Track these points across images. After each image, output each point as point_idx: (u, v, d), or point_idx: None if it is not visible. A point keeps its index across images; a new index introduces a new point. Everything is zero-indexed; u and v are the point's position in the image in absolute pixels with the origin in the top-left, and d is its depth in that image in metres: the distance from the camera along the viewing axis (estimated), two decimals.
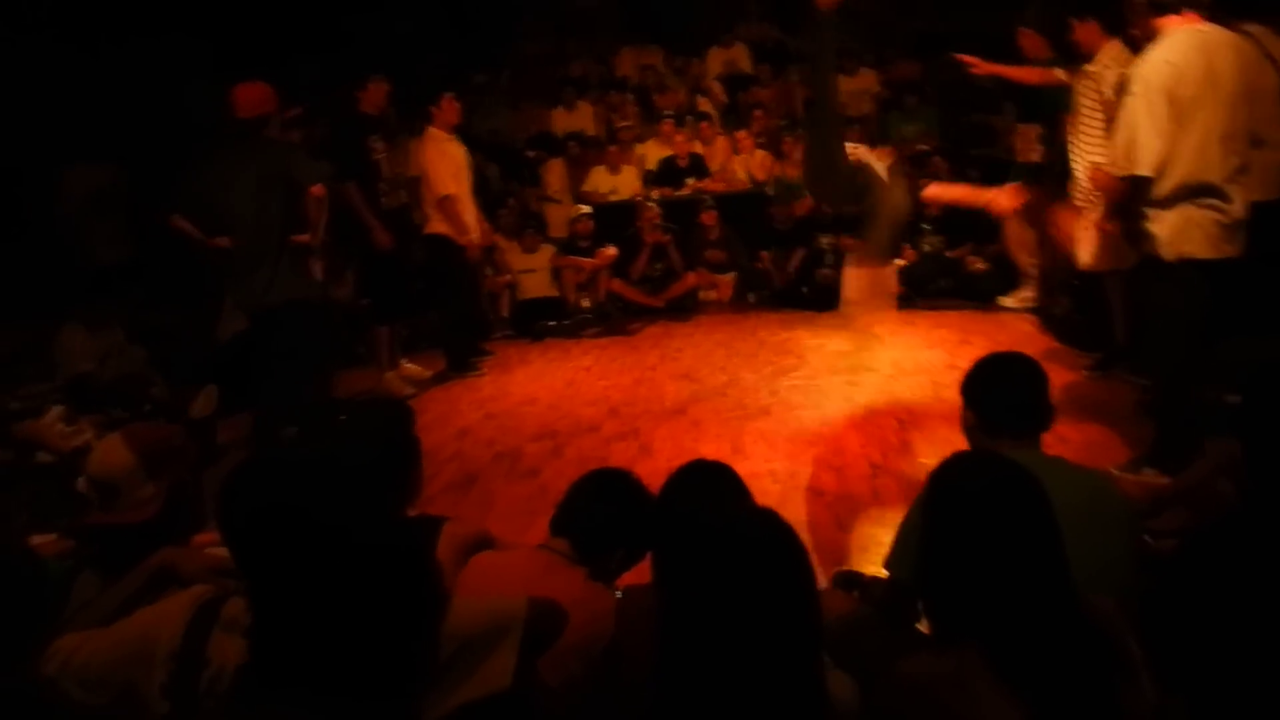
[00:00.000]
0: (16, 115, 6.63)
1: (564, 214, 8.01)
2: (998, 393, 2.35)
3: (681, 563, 1.48)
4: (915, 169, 7.50)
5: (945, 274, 6.98)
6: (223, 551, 1.82)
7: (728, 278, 7.72)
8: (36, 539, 2.66)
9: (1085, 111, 4.76)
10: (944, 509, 1.69)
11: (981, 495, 1.66)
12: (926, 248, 7.16)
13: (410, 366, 6.24)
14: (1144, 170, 3.44)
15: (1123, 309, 4.92)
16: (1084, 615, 1.64)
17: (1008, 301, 6.63)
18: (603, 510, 2.25)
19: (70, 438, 4.41)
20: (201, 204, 4.72)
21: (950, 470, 1.73)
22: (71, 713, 1.67)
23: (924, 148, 7.64)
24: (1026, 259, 6.53)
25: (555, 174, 8.46)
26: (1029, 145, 6.11)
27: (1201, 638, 1.77)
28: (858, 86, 9.02)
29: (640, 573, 2.27)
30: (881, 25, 9.45)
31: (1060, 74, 5.15)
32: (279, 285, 4.56)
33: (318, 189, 4.53)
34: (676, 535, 1.62)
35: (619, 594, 2.15)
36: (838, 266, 7.39)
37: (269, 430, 4.61)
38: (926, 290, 6.95)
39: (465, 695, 1.68)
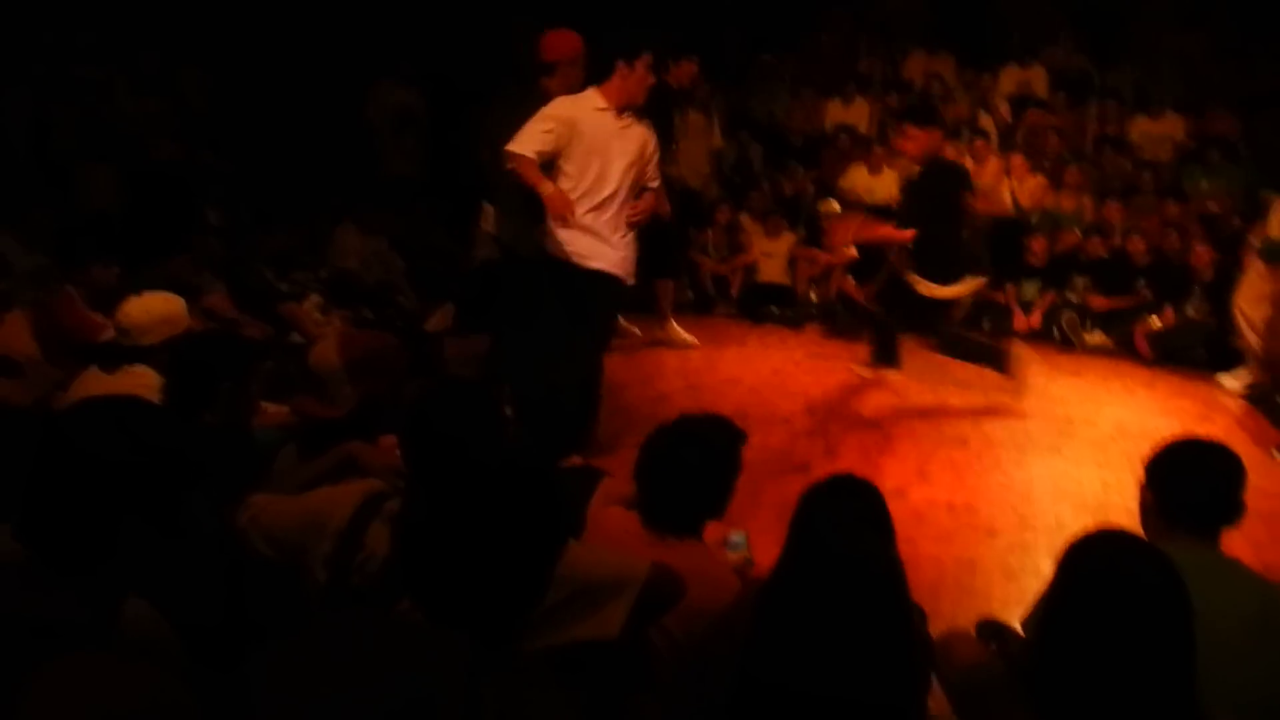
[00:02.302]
0: (330, 27, 7.33)
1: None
2: (1185, 481, 2.24)
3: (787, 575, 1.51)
4: (1206, 228, 6.97)
5: (1205, 342, 6.44)
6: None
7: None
8: (269, 406, 3.06)
9: None
10: (1073, 580, 1.66)
11: (1112, 577, 1.61)
12: (1190, 311, 6.64)
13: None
14: None
15: None
16: None
17: (1228, 381, 6.02)
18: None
19: (321, 325, 4.93)
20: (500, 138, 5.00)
21: (1088, 546, 1.68)
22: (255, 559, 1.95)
23: (1215, 209, 7.05)
24: (1254, 338, 5.85)
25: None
26: None
27: None
28: (1159, 130, 8.41)
29: None
30: (1202, 72, 8.69)
31: None
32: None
33: None
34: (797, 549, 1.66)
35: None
36: (1083, 314, 7.02)
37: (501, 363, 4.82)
38: (1180, 358, 6.46)
39: (572, 634, 1.82)
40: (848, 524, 2.01)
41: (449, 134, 7.45)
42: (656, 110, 6.17)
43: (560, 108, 4.13)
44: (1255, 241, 5.92)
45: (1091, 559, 1.65)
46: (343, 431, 2.22)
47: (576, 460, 2.55)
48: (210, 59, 7.10)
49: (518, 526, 1.50)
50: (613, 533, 2.19)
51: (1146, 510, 2.29)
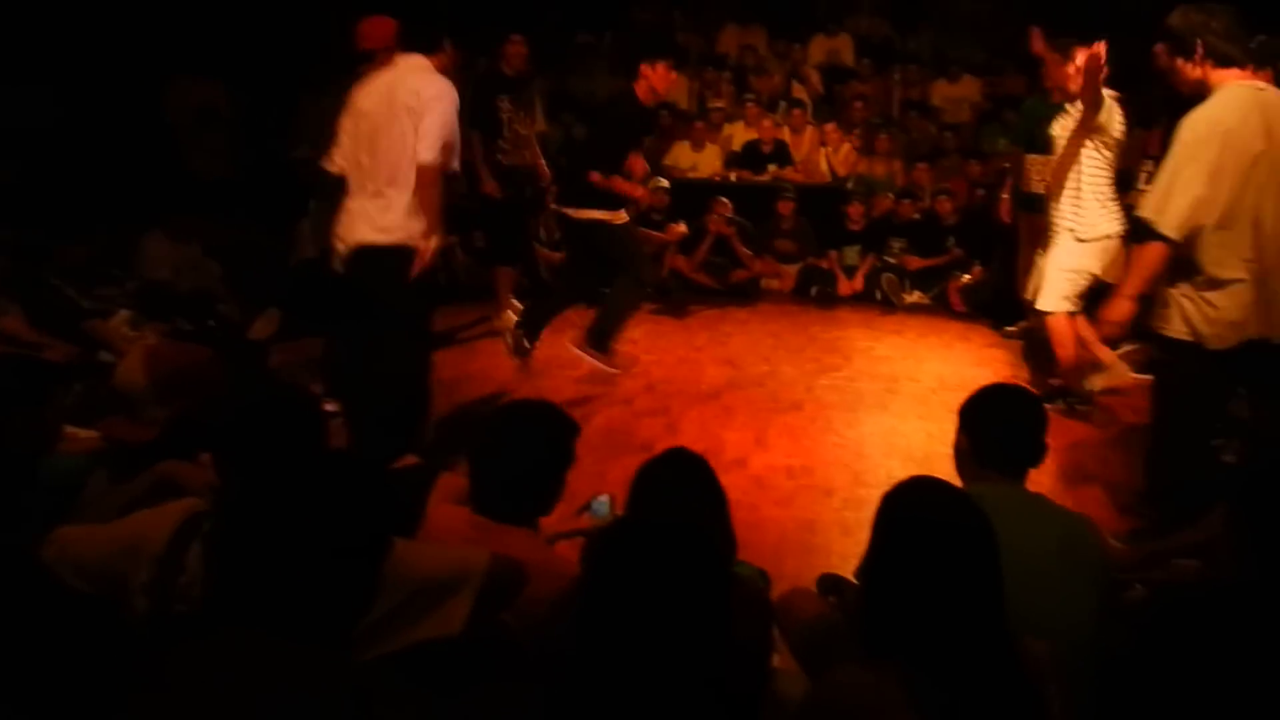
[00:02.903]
0: (126, 23, 6.87)
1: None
2: (994, 425, 2.38)
3: (601, 556, 1.52)
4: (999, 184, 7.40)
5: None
6: None
7: (793, 269, 7.72)
8: (75, 431, 2.87)
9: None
10: (888, 529, 1.75)
11: (923, 523, 1.71)
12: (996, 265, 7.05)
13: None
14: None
15: None
16: (1011, 656, 1.68)
17: (1010, 330, 6.40)
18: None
19: (133, 341, 4.65)
20: (319, 132, 4.73)
21: (901, 493, 1.78)
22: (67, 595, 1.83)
23: (1007, 165, 7.49)
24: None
25: None
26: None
27: (1163, 696, 1.80)
28: (958, 93, 8.91)
29: None
30: (995, 33, 9.22)
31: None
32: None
33: None
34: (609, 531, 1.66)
35: None
36: (901, 275, 7.37)
37: (337, 362, 4.65)
38: (991, 311, 6.86)
39: (414, 636, 1.80)
40: (671, 495, 2.06)
41: (259, 130, 7.13)
42: (483, 98, 6.19)
43: None
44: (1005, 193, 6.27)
45: (902, 505, 1.74)
46: (156, 453, 2.11)
47: (411, 459, 2.49)
48: None
49: (333, 526, 1.45)
50: (448, 528, 2.16)
51: (961, 454, 2.43)
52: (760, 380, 5.43)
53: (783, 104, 8.72)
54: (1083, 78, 4.32)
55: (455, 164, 3.89)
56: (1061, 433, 4.63)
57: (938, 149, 8.29)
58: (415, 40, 3.87)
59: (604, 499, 2.63)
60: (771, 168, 8.20)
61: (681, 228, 7.48)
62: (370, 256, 3.78)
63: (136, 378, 2.22)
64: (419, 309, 3.85)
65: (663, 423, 4.75)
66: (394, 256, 3.75)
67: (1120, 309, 3.31)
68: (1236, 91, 3.11)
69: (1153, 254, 3.18)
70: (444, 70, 3.90)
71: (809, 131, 8.50)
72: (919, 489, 1.78)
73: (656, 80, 4.94)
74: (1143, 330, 3.75)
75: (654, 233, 7.48)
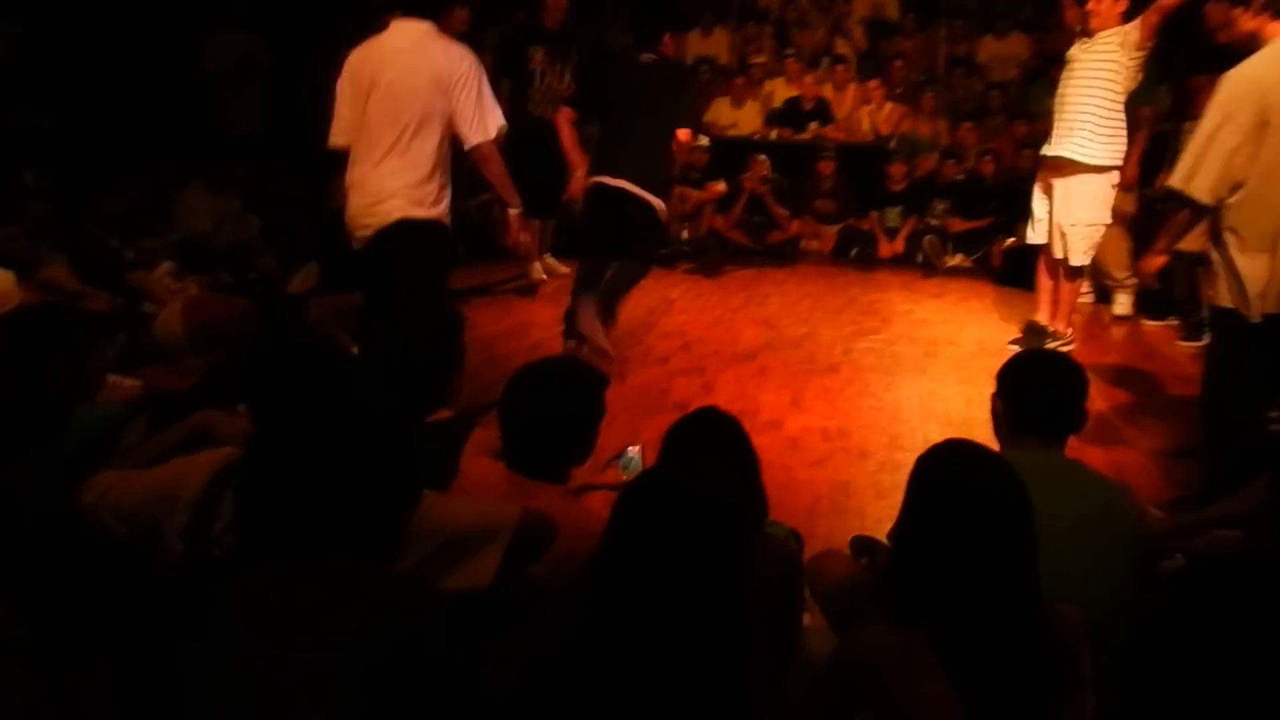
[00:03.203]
0: None
1: None
2: (1030, 390, 2.35)
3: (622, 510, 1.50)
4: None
5: None
6: None
7: (833, 230, 7.63)
8: (118, 379, 2.92)
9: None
10: (922, 492, 1.73)
11: (956, 486, 1.69)
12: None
13: (552, 260, 6.70)
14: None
15: None
16: (1043, 621, 1.67)
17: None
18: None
19: (175, 293, 4.71)
20: None
21: (936, 456, 1.76)
22: (105, 538, 1.87)
23: None
24: (1118, 270, 6.05)
25: None
26: None
27: (1189, 665, 1.78)
28: (1005, 51, 8.68)
29: None
30: None
31: None
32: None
33: None
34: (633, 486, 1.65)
35: None
36: (943, 237, 7.25)
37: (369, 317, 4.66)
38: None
39: (444, 587, 1.82)
40: (701, 454, 2.05)
41: (294, 82, 7.12)
42: (512, 50, 6.16)
43: None
44: None
45: (937, 468, 1.73)
46: (193, 402, 2.13)
47: (445, 413, 2.50)
48: (21, 6, 6.52)
49: (361, 473, 1.46)
50: (480, 483, 2.17)
51: (997, 420, 2.40)
52: (797, 342, 5.39)
53: (825, 60, 8.56)
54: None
55: (501, 123, 3.83)
56: (1106, 397, 4.57)
57: (983, 108, 8.12)
58: (419, 4, 3.70)
59: (634, 451, 2.63)
60: (813, 125, 8.08)
61: (720, 186, 7.41)
62: (406, 231, 3.73)
63: (175, 329, 2.24)
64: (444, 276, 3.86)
65: (698, 383, 4.74)
66: (429, 231, 3.75)
67: (1153, 262, 3.46)
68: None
69: (1183, 214, 3.21)
70: (453, 34, 3.81)
71: (851, 88, 8.36)
72: (954, 452, 1.76)
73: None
74: None
75: (692, 191, 7.42)
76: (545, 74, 6.31)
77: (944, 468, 1.74)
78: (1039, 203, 5.04)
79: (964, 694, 1.55)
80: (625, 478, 2.51)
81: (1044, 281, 5.21)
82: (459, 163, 4.89)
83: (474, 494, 2.19)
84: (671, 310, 6.02)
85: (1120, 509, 2.24)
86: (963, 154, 7.62)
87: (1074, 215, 4.86)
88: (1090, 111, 4.71)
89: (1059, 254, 4.99)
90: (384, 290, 3.84)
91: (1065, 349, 4.95)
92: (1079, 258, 4.92)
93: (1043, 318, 5.25)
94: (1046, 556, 1.72)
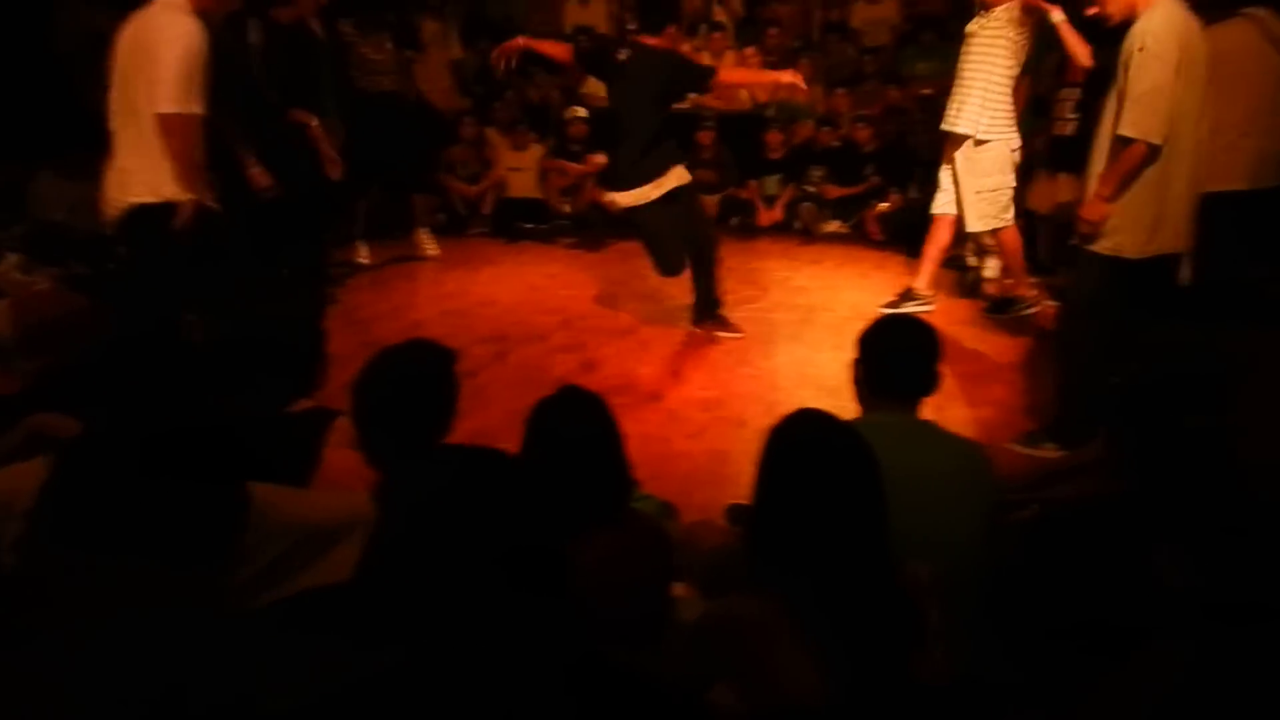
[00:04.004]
0: None
1: None
2: (887, 355, 2.41)
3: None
4: (923, 113, 7.40)
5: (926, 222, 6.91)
6: None
7: (713, 199, 7.67)
8: None
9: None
10: (773, 462, 1.77)
11: (807, 453, 1.73)
12: (913, 194, 7.10)
13: (427, 237, 6.68)
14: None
15: None
16: (893, 580, 1.73)
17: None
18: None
19: (24, 287, 4.47)
20: None
21: (785, 425, 1.80)
22: None
23: (928, 91, 7.50)
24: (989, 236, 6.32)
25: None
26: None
27: (1042, 613, 1.85)
28: (877, 15, 8.81)
29: None
30: None
31: None
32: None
33: None
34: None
35: None
36: (820, 204, 7.38)
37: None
38: (906, 238, 6.91)
39: (304, 582, 1.78)
40: (563, 434, 2.05)
41: None
42: (397, 19, 6.00)
43: None
44: None
45: (787, 438, 1.76)
46: (28, 404, 2.03)
47: (305, 403, 2.44)
48: None
49: (196, 471, 1.41)
50: (341, 474, 2.13)
51: (857, 383, 2.46)
52: (678, 314, 5.41)
53: (703, 27, 8.57)
54: None
55: (199, 109, 3.67)
56: (965, 359, 4.74)
57: (858, 73, 8.26)
58: None
59: None
60: (690, 95, 8.08)
61: (601, 158, 7.36)
62: (141, 216, 3.68)
63: (3, 329, 2.13)
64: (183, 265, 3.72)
65: (578, 359, 4.74)
66: (162, 215, 3.66)
67: (1096, 210, 3.46)
68: (1172, 5, 3.29)
69: (1134, 155, 3.33)
70: (205, 10, 3.72)
71: (729, 56, 8.38)
72: (802, 421, 1.80)
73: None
74: None
75: (572, 164, 7.38)
76: (358, 45, 6.24)
77: (793, 437, 1.78)
78: (944, 173, 5.18)
79: (820, 656, 1.60)
80: None
81: (931, 250, 5.33)
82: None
83: (336, 485, 2.15)
84: (552, 285, 5.99)
85: (974, 466, 2.33)
86: (838, 121, 7.74)
87: (975, 183, 5.00)
88: (982, 86, 4.86)
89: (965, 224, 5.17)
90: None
91: (922, 310, 5.17)
92: (974, 223, 5.06)
93: (922, 284, 5.38)
94: (905, 514, 1.78)
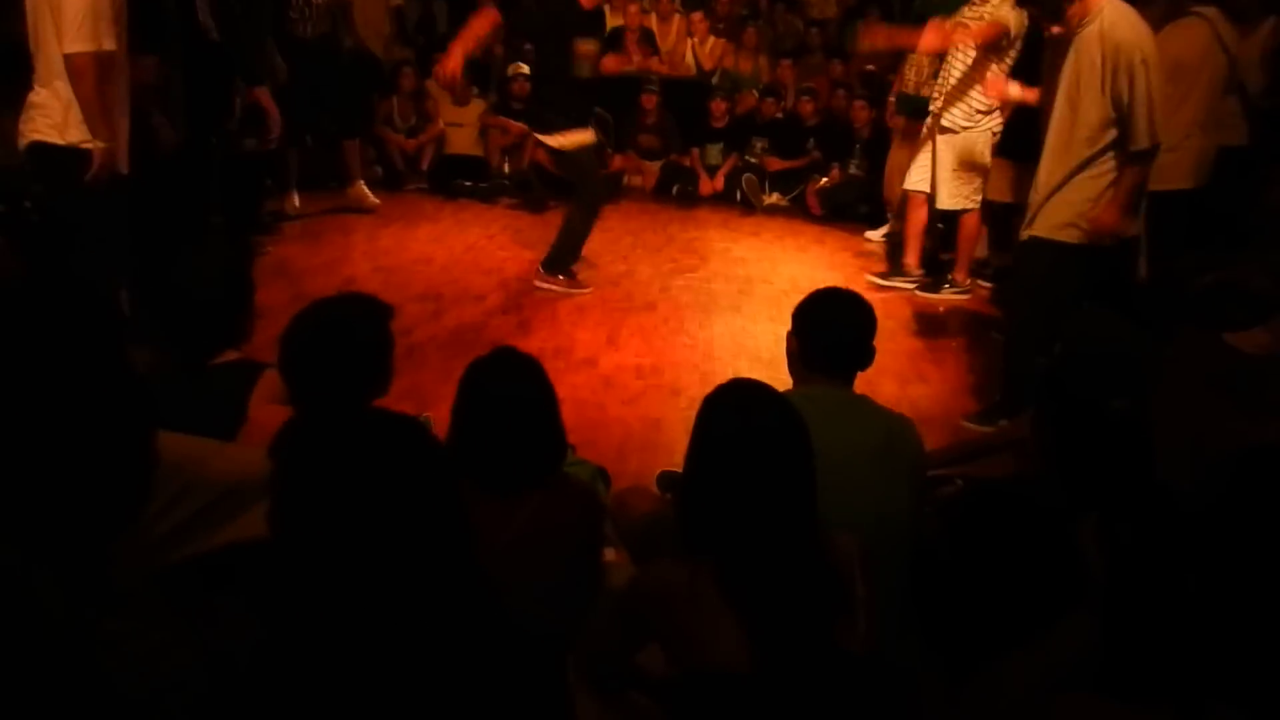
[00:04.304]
0: None
1: None
2: (822, 330, 2.43)
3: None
4: (865, 89, 7.44)
5: (865, 198, 6.99)
6: None
7: (655, 166, 7.64)
8: None
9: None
10: (705, 431, 1.77)
11: (739, 422, 1.73)
12: (853, 169, 7.15)
13: (364, 189, 6.52)
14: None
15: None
16: (820, 549, 1.74)
17: (873, 236, 6.59)
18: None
19: None
20: None
21: (718, 395, 1.80)
22: None
23: (872, 68, 7.55)
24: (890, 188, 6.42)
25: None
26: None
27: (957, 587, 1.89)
28: None
29: None
30: None
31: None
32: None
33: None
34: None
35: None
36: (761, 175, 7.39)
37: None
38: (845, 213, 6.98)
39: (223, 538, 1.74)
40: (497, 395, 2.03)
41: None
42: None
43: None
44: (891, 96, 6.43)
45: (719, 407, 1.77)
46: None
47: (230, 354, 2.37)
48: None
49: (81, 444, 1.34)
50: (270, 430, 2.08)
51: (791, 354, 2.48)
52: (616, 279, 5.41)
53: None
54: None
55: (110, 44, 3.48)
56: (912, 336, 4.82)
57: (803, 45, 8.27)
58: None
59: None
60: (636, 58, 8.01)
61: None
62: (46, 156, 3.52)
63: None
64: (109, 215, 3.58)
65: (514, 320, 4.70)
66: (69, 160, 3.48)
67: (1112, 215, 3.49)
68: (1124, 7, 3.41)
69: (1150, 160, 3.47)
70: None
71: (676, 20, 8.31)
72: (735, 391, 1.80)
73: None
74: None
75: (513, 123, 7.27)
76: None
77: (725, 406, 1.78)
78: (923, 151, 5.35)
79: (746, 623, 1.61)
80: None
81: (911, 228, 5.53)
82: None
83: (263, 442, 2.10)
84: (490, 246, 5.92)
85: (902, 441, 2.36)
86: (782, 92, 7.74)
87: (952, 162, 5.20)
88: (967, 74, 5.05)
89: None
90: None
91: (910, 286, 5.46)
92: (945, 200, 5.26)
93: (911, 261, 5.57)
94: (834, 487, 1.80)
